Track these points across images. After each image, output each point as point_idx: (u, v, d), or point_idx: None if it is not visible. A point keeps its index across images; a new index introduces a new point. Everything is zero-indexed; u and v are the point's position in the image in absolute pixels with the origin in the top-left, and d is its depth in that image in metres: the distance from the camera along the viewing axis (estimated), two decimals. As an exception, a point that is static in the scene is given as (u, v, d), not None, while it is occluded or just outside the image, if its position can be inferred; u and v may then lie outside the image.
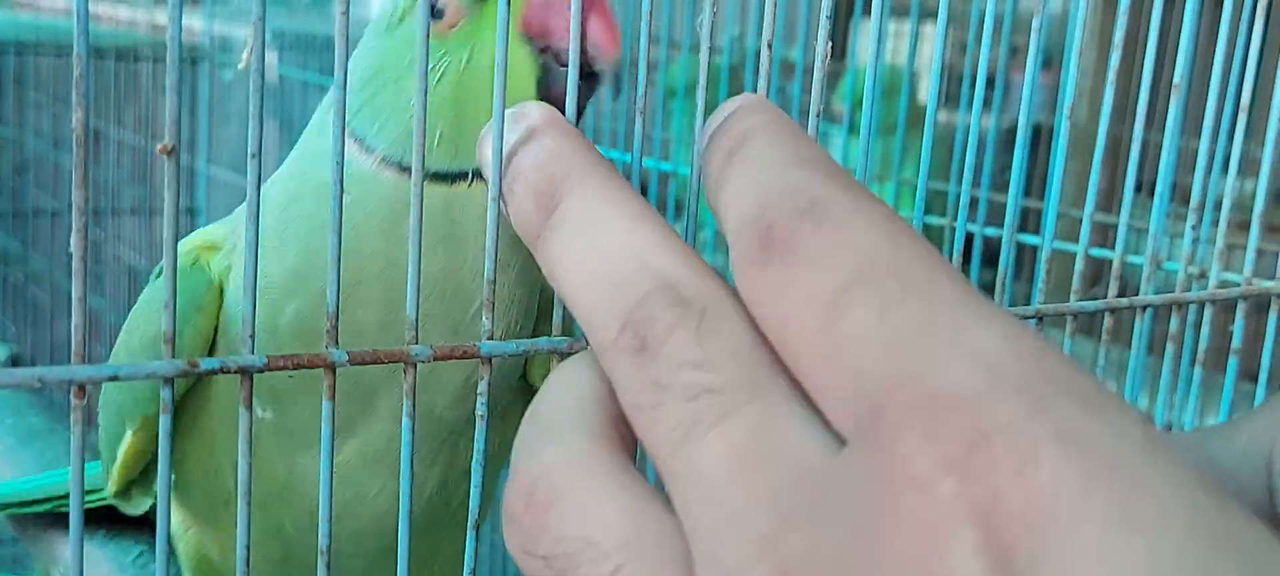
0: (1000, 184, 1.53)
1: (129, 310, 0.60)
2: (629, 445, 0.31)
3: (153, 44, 2.16)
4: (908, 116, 1.35)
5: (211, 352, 0.54)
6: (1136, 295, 0.58)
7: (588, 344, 0.32)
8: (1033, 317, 0.53)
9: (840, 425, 0.26)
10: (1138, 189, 0.58)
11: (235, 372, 0.37)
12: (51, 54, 2.27)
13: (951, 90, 1.68)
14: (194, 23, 2.15)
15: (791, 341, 0.27)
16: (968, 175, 0.52)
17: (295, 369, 0.38)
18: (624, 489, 0.29)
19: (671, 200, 1.60)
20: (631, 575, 0.28)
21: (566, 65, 0.43)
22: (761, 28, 0.42)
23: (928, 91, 1.94)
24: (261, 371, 0.37)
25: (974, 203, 1.14)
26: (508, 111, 0.37)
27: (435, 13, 0.49)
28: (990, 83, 1.39)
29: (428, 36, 0.38)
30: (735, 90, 1.46)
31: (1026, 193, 1.56)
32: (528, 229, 0.34)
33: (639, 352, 0.29)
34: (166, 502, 0.38)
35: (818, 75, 0.43)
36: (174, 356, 0.36)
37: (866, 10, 1.51)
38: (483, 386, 0.41)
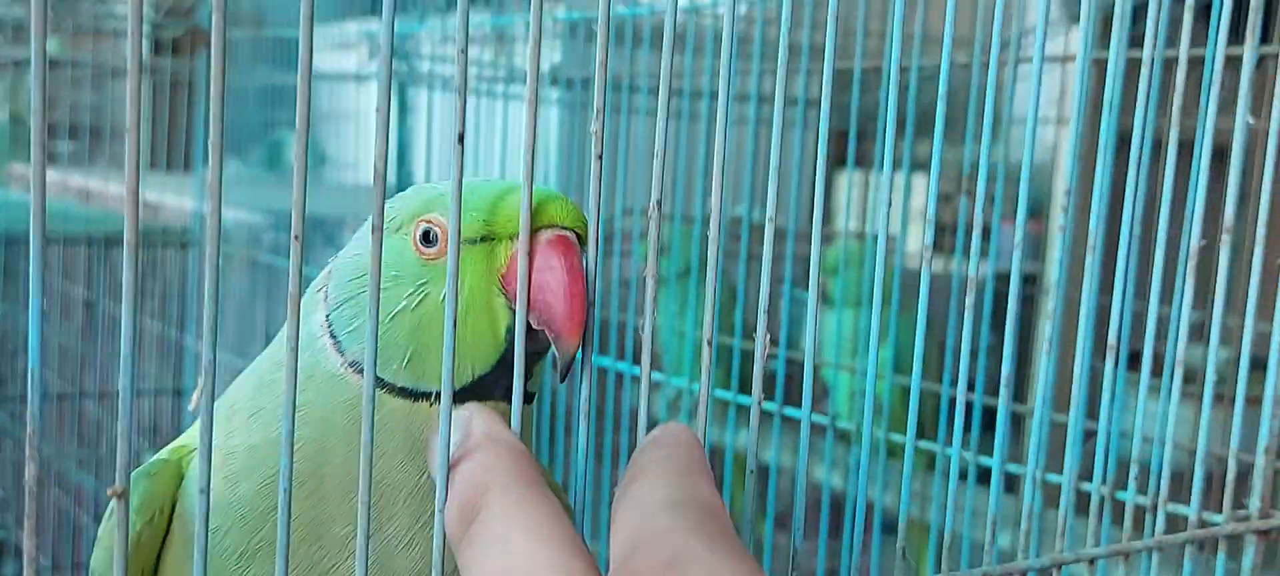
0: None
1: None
2: None
3: (145, 229, 2.19)
4: (886, 276, 1.36)
5: (171, 518, 0.56)
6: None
7: None
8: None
9: None
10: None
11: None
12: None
13: (943, 243, 1.70)
14: (184, 203, 2.18)
15: None
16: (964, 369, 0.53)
17: None
18: None
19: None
20: None
21: (536, 329, 0.48)
22: (753, 198, 0.44)
23: (913, 243, 1.96)
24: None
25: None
26: (455, 415, 0.41)
27: (429, 240, 0.52)
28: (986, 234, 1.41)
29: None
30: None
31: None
32: (451, 536, 0.38)
33: None
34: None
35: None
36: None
37: (858, 161, 1.53)
38: None
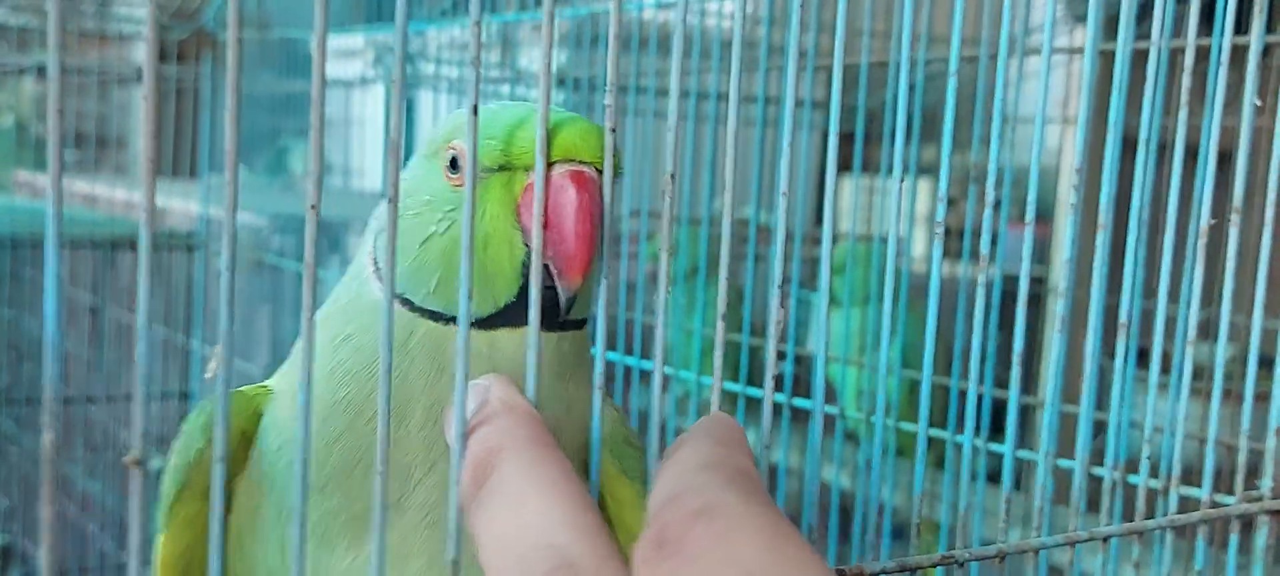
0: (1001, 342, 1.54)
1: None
2: None
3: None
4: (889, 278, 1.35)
5: (243, 469, 0.57)
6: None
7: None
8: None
9: None
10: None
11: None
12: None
13: (949, 247, 1.70)
14: (190, 207, 2.19)
15: None
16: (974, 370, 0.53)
17: None
18: None
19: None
20: None
21: (545, 262, 0.47)
22: (759, 199, 0.44)
23: (918, 248, 1.95)
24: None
25: (970, 357, 1.14)
26: (471, 385, 0.41)
27: (455, 166, 0.52)
28: (994, 240, 1.41)
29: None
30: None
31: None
32: (464, 498, 0.38)
33: None
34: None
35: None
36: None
37: (858, 166, 1.53)
38: None
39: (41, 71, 2.37)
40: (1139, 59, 0.62)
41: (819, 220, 2.14)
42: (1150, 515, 0.65)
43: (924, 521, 0.57)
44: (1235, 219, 0.62)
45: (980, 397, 1.12)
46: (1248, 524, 0.66)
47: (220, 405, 0.39)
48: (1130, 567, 0.65)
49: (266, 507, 0.56)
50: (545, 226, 0.48)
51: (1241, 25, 0.67)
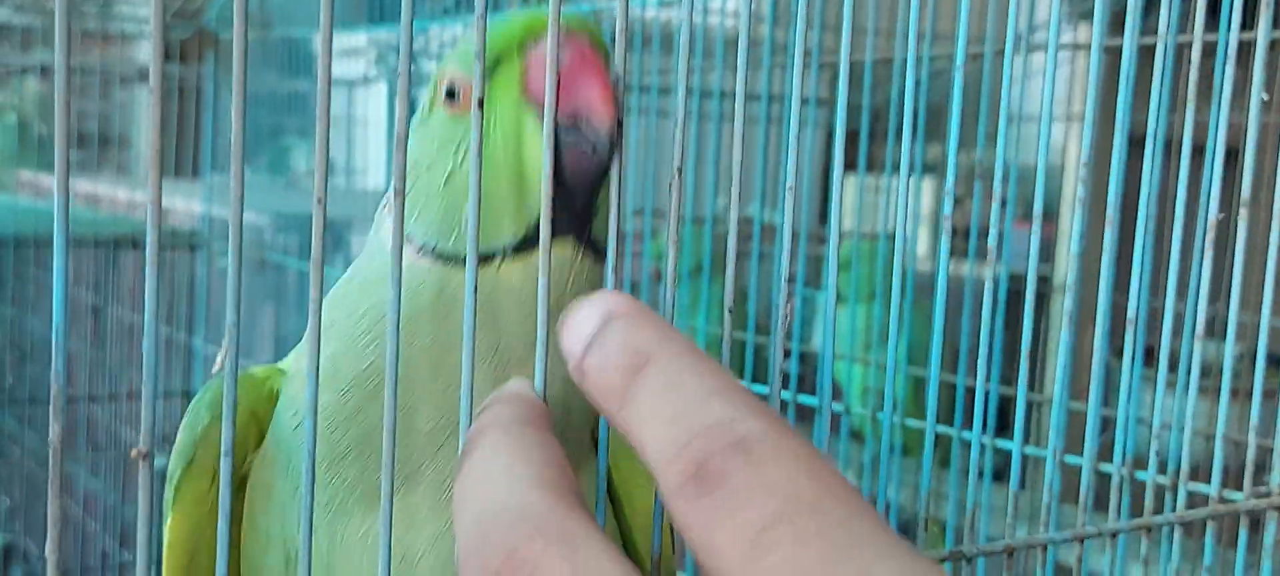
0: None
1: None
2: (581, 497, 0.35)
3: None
4: (892, 275, 1.35)
5: (256, 449, 0.57)
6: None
7: None
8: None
9: None
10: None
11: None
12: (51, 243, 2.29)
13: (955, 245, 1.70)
14: (193, 206, 2.19)
15: (723, 568, 0.31)
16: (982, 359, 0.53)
17: None
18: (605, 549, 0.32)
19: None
20: None
21: (572, 128, 0.45)
22: (763, 198, 0.44)
23: (922, 246, 1.95)
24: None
25: (975, 354, 1.14)
26: (587, 299, 0.38)
27: (450, 95, 0.51)
28: (1000, 238, 1.41)
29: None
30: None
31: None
32: (611, 396, 0.36)
33: (699, 481, 0.32)
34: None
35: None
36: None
37: (860, 164, 1.53)
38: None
39: (45, 71, 2.37)
40: (1145, 55, 0.62)
41: (823, 219, 2.14)
42: (1158, 511, 0.64)
43: (929, 519, 0.57)
44: (1243, 214, 0.62)
45: (987, 394, 1.11)
46: (1256, 520, 0.66)
47: (227, 399, 0.38)
48: (1138, 564, 0.65)
49: (283, 483, 0.56)
50: (558, 88, 0.45)
51: (1248, 21, 0.67)
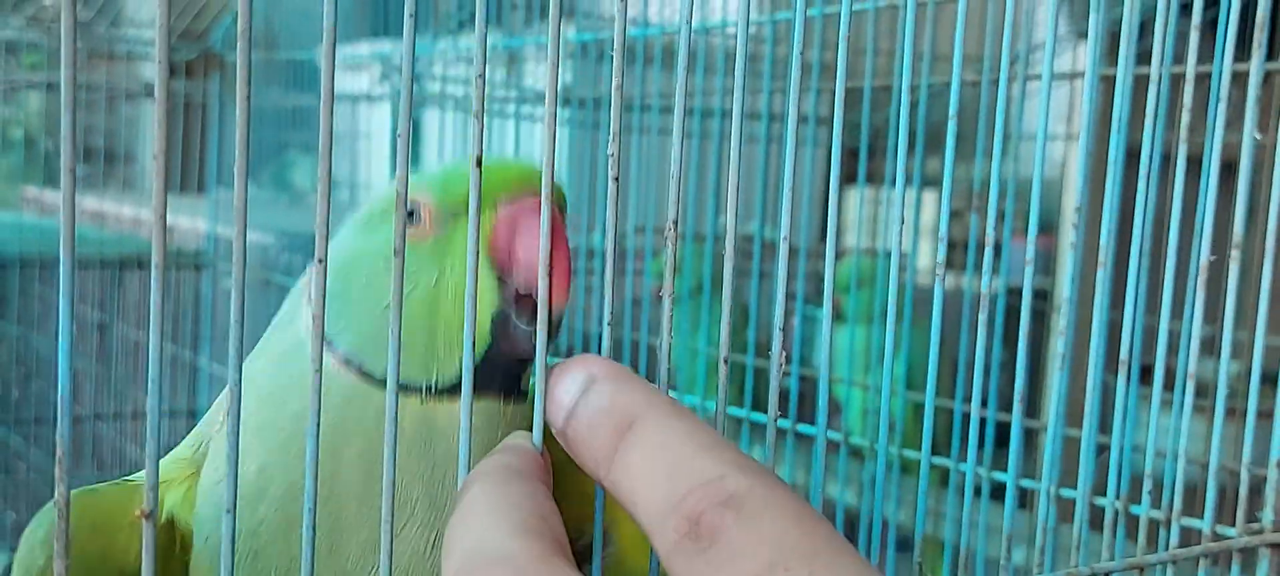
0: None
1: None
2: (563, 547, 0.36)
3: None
4: (898, 292, 1.36)
5: (176, 550, 0.54)
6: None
7: None
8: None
9: None
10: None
11: None
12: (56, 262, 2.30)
13: (953, 259, 1.70)
14: (198, 225, 2.19)
15: None
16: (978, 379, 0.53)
17: None
18: None
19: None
20: None
21: (525, 296, 0.47)
22: (764, 215, 0.44)
23: (923, 260, 1.95)
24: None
25: (976, 374, 1.14)
26: (568, 364, 0.39)
27: (413, 217, 0.50)
28: (997, 251, 1.41)
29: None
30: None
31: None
32: (600, 457, 0.37)
33: (695, 538, 0.33)
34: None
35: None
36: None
37: (866, 178, 1.54)
38: None
39: (50, 87, 2.38)
40: (1140, 83, 0.62)
41: (824, 236, 2.15)
42: (1151, 547, 0.65)
43: (928, 539, 0.58)
44: (1236, 255, 0.62)
45: (983, 421, 1.12)
46: (1249, 557, 0.66)
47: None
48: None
49: None
50: (514, 258, 0.48)
51: (1242, 51, 0.68)
